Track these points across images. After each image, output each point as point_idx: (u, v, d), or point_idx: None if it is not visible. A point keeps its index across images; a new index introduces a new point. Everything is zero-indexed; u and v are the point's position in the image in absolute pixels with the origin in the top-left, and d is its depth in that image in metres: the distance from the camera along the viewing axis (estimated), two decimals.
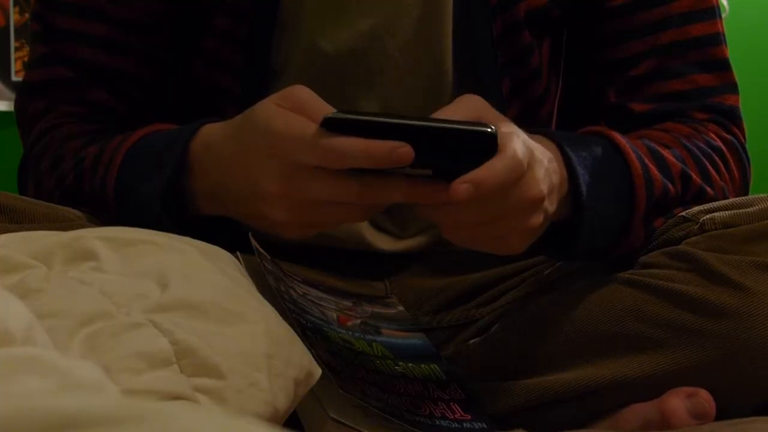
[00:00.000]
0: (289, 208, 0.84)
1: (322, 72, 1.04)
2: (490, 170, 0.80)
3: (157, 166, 0.91)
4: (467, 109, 0.86)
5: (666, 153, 0.99)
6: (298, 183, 0.82)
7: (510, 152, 0.82)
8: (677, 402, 0.89)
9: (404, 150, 0.78)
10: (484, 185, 0.80)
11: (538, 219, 0.86)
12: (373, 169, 0.81)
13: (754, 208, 0.93)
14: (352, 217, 0.88)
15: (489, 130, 0.81)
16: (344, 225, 1.07)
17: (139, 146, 0.94)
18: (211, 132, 0.90)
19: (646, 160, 0.96)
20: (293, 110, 0.83)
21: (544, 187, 0.85)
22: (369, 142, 0.79)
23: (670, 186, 0.97)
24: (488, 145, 0.81)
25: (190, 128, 0.91)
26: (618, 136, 0.96)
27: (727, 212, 0.93)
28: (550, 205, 0.88)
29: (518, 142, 0.83)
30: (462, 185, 0.79)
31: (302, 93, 0.84)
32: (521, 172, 0.82)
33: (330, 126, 0.80)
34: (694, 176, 0.99)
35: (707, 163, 1.01)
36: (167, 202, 0.90)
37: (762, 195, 0.94)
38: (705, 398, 0.89)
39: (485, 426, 0.92)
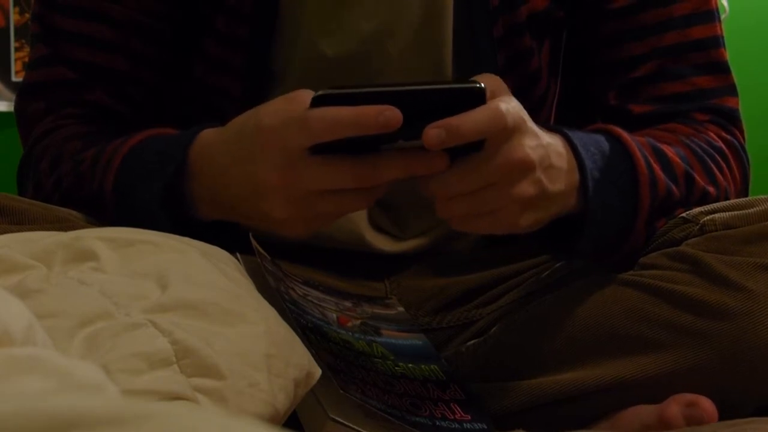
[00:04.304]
0: (289, 200, 0.84)
1: (323, 74, 1.04)
2: (465, 116, 0.80)
3: (155, 170, 0.91)
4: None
5: (670, 152, 0.99)
6: (294, 172, 0.83)
7: (492, 105, 0.81)
8: (676, 410, 0.89)
9: (391, 112, 0.78)
10: (457, 130, 0.79)
11: (528, 188, 0.85)
12: (367, 147, 0.81)
13: (755, 209, 0.93)
14: (352, 206, 0.87)
15: (477, 85, 0.81)
16: (344, 225, 1.07)
17: (137, 150, 0.94)
18: (209, 137, 0.90)
19: (651, 161, 0.96)
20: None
21: (534, 155, 0.84)
22: (356, 108, 0.79)
23: (674, 188, 0.97)
24: (477, 102, 0.81)
25: (189, 134, 0.91)
26: (624, 134, 0.96)
27: (727, 213, 0.93)
28: (550, 183, 0.87)
29: (508, 103, 0.82)
30: (433, 129, 0.79)
31: (301, 92, 0.84)
32: (501, 123, 0.81)
33: (320, 103, 0.80)
34: (697, 177, 0.99)
35: (711, 163, 1.02)
36: (166, 206, 0.90)
37: (762, 196, 0.94)
38: (706, 407, 0.89)
39: (485, 426, 0.92)
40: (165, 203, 0.90)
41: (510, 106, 0.83)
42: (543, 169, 0.86)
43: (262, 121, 0.84)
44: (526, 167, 0.84)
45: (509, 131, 0.83)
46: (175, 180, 0.90)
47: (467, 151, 0.82)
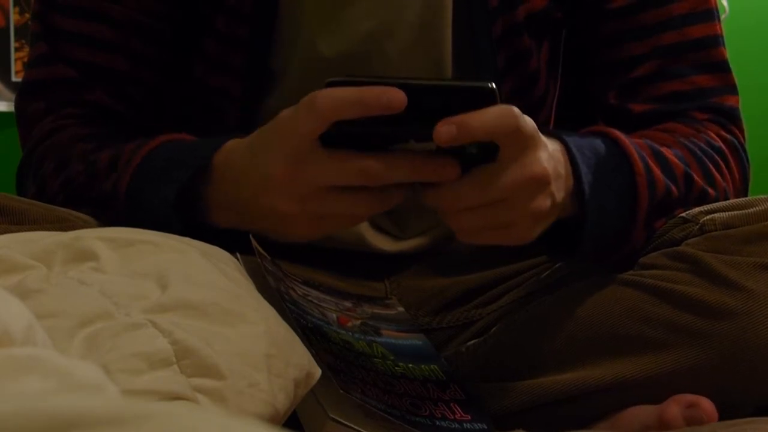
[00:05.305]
0: (297, 195, 0.83)
1: (322, 75, 1.03)
2: (476, 114, 0.79)
3: (175, 171, 0.90)
4: None
5: (669, 154, 0.99)
6: (301, 165, 0.82)
7: (505, 106, 0.80)
8: (676, 410, 0.89)
9: (395, 93, 0.77)
10: (468, 127, 0.78)
11: (544, 202, 0.84)
12: (377, 146, 0.80)
13: (754, 209, 0.93)
14: (358, 207, 0.85)
15: (489, 85, 0.80)
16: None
17: (158, 151, 0.93)
18: (235, 145, 0.90)
19: (649, 161, 0.96)
20: None
21: (549, 167, 0.84)
22: (361, 88, 0.78)
23: (673, 187, 0.97)
24: (488, 102, 0.80)
25: (216, 141, 0.91)
26: (622, 136, 0.96)
27: (727, 213, 0.93)
28: (557, 192, 0.87)
29: (519, 111, 0.81)
30: (444, 126, 0.78)
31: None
32: (513, 125, 0.80)
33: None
34: (696, 177, 0.99)
35: (709, 164, 1.02)
36: (179, 207, 0.90)
37: (762, 196, 0.95)
38: (706, 407, 0.89)
39: (485, 426, 0.92)
40: (179, 205, 0.89)
41: (519, 111, 0.81)
42: (554, 180, 0.86)
43: (281, 113, 0.84)
44: (543, 182, 0.84)
45: (523, 140, 0.81)
46: (193, 183, 0.89)
47: (479, 161, 0.82)
